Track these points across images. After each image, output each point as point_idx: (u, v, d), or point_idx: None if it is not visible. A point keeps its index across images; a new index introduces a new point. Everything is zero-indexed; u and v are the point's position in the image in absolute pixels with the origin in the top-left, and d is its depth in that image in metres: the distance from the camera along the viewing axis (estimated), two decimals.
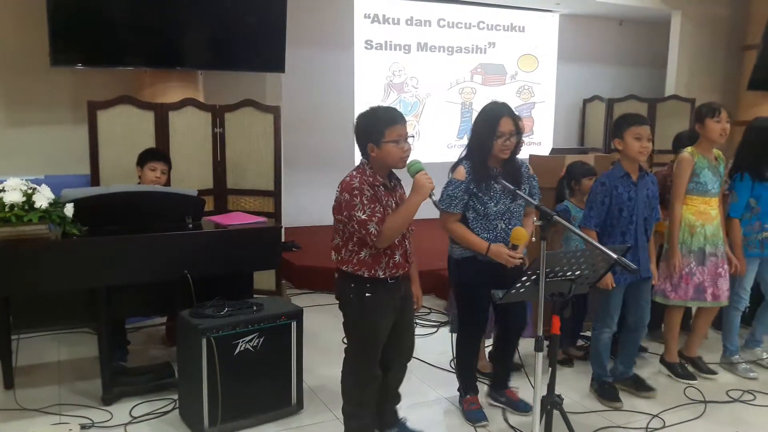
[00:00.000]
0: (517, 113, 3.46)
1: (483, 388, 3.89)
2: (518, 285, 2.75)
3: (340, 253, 3.07)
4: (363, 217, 2.89)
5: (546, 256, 2.65)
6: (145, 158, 4.37)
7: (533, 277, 2.70)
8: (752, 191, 4.22)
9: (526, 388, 3.84)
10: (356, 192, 2.92)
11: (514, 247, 3.29)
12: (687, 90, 8.74)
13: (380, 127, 2.94)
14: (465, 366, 3.73)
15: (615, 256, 2.53)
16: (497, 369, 3.89)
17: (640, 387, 3.99)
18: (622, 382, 4.02)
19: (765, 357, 4.53)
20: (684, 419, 3.69)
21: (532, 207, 3.43)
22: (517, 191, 3.10)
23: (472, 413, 3.63)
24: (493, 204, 3.40)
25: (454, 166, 3.47)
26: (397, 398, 3.44)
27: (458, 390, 3.77)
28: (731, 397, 3.97)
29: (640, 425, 3.59)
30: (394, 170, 3.10)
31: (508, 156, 3.38)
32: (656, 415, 3.69)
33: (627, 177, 3.71)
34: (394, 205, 3.02)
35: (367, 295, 3.03)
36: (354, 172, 3.02)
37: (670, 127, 6.93)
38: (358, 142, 3.04)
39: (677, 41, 8.77)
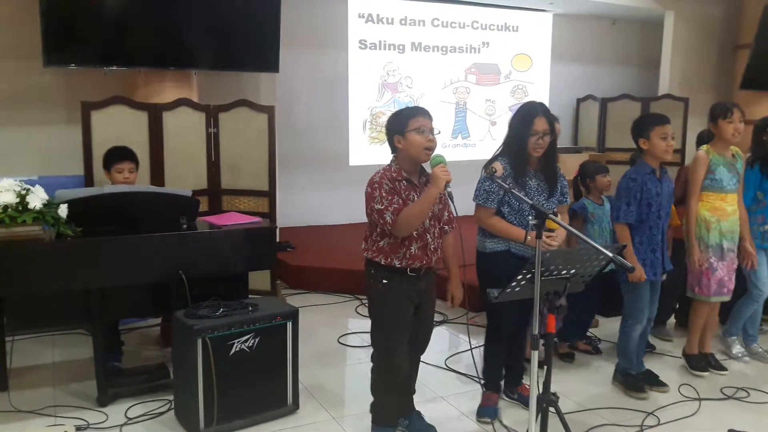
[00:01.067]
0: (553, 115, 3.55)
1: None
2: (513, 284, 2.75)
3: (366, 242, 3.26)
4: (380, 207, 3.07)
5: (542, 254, 2.66)
6: (109, 161, 4.28)
7: (528, 275, 2.71)
8: (760, 184, 4.36)
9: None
10: (376, 185, 3.11)
11: (550, 231, 3.34)
12: (680, 89, 8.75)
13: (404, 118, 3.13)
14: (489, 361, 3.80)
15: (611, 254, 2.53)
16: (508, 367, 3.93)
17: (653, 382, 4.06)
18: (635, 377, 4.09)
19: (761, 350, 4.60)
20: (678, 417, 3.71)
21: (565, 203, 3.67)
22: (523, 197, 3.07)
23: (483, 409, 3.70)
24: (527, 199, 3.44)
25: (489, 162, 3.53)
26: (412, 390, 3.51)
27: (481, 384, 3.83)
28: (725, 395, 3.99)
29: (636, 423, 3.61)
30: (425, 168, 3.23)
31: (540, 154, 3.47)
32: (651, 413, 3.71)
33: (653, 173, 3.83)
34: (416, 199, 3.13)
35: (383, 281, 3.18)
36: (381, 169, 3.20)
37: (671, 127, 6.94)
38: (388, 138, 3.22)
39: (670, 40, 8.79)
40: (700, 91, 8.61)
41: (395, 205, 3.05)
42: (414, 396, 3.53)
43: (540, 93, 9.63)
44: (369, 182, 3.15)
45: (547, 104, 9.50)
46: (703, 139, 4.73)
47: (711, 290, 4.12)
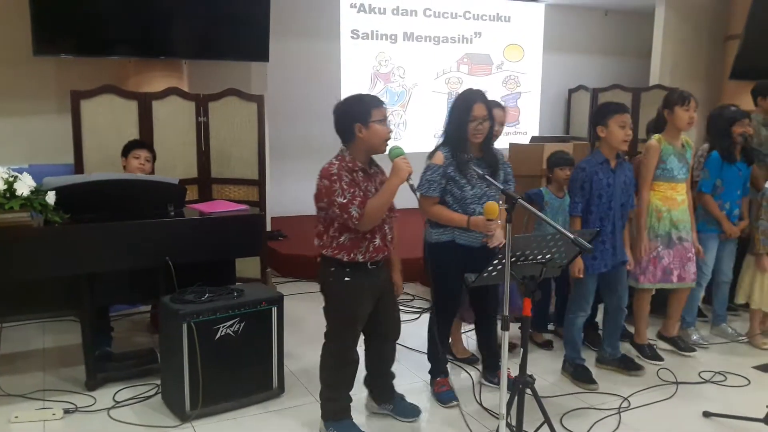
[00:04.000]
0: (491, 100, 3.60)
1: (460, 372, 3.99)
2: (490, 268, 2.81)
3: (321, 238, 3.15)
4: (343, 201, 2.98)
5: (516, 239, 2.72)
6: (129, 147, 4.41)
7: (504, 260, 2.76)
8: (720, 171, 4.42)
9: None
10: (335, 177, 3.01)
11: (489, 221, 3.40)
12: (671, 79, 8.77)
13: (367, 108, 3.05)
14: (435, 349, 3.81)
15: (571, 235, 2.59)
16: (483, 352, 4.02)
17: (630, 366, 4.11)
18: (612, 363, 4.14)
19: (731, 331, 4.71)
20: (655, 400, 3.78)
21: (509, 189, 3.53)
22: (486, 177, 3.16)
23: (443, 395, 3.74)
24: (469, 188, 3.51)
25: (432, 153, 3.59)
26: (392, 375, 3.56)
27: (429, 372, 3.88)
28: (702, 378, 4.07)
29: (613, 406, 3.68)
30: (374, 157, 3.19)
31: (480, 140, 3.51)
32: (626, 398, 3.78)
33: (606, 163, 3.80)
34: (373, 190, 3.11)
35: (346, 279, 3.13)
36: (333, 160, 3.11)
37: (654, 116, 7.00)
38: (341, 126, 3.11)
39: (661, 31, 8.80)
40: (690, 81, 8.62)
41: (359, 198, 2.99)
42: (398, 381, 3.59)
43: (532, 83, 9.68)
44: (324, 174, 3.04)
45: (539, 94, 9.67)
46: (652, 128, 4.73)
47: (656, 278, 4.14)
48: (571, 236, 2.58)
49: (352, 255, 3.09)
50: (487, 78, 9.36)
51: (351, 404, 3.40)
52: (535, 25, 9.60)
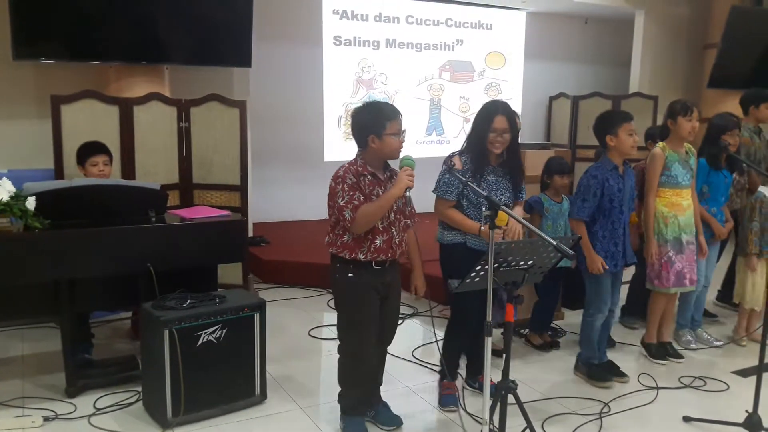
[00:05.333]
0: (514, 110, 3.65)
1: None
2: (473, 274, 2.83)
3: (329, 236, 3.28)
4: (341, 203, 3.10)
5: (498, 246, 2.73)
6: (83, 155, 4.31)
7: (487, 266, 2.78)
8: (707, 178, 4.53)
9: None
10: (339, 180, 3.14)
11: (498, 228, 3.42)
12: (650, 87, 8.91)
13: (383, 120, 3.14)
14: (449, 351, 3.86)
15: (554, 242, 2.61)
16: (470, 356, 4.04)
17: (615, 373, 4.15)
18: (581, 370, 4.19)
19: (707, 337, 4.81)
20: (636, 405, 3.81)
21: (521, 199, 3.78)
22: (469, 183, 3.18)
23: (445, 398, 3.79)
24: (485, 194, 3.51)
25: (450, 157, 3.65)
26: (379, 381, 3.58)
27: (439, 372, 3.94)
28: (682, 383, 4.11)
29: (594, 411, 3.70)
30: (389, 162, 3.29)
31: (499, 150, 3.58)
32: (607, 403, 3.80)
33: (615, 170, 3.93)
34: (380, 194, 3.17)
35: (349, 275, 3.23)
36: (346, 163, 3.23)
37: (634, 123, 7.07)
38: (357, 134, 3.22)
39: (641, 40, 8.94)
40: (669, 89, 8.75)
41: (355, 202, 3.08)
42: (381, 387, 3.60)
43: (513, 90, 9.74)
44: (333, 176, 3.19)
45: (520, 101, 9.70)
46: (652, 136, 4.90)
47: (670, 282, 4.25)
48: (554, 243, 2.61)
49: (353, 254, 3.17)
50: (468, 85, 9.41)
51: (365, 400, 3.47)
52: (516, 33, 9.66)
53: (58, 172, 4.81)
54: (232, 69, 6.44)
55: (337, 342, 3.44)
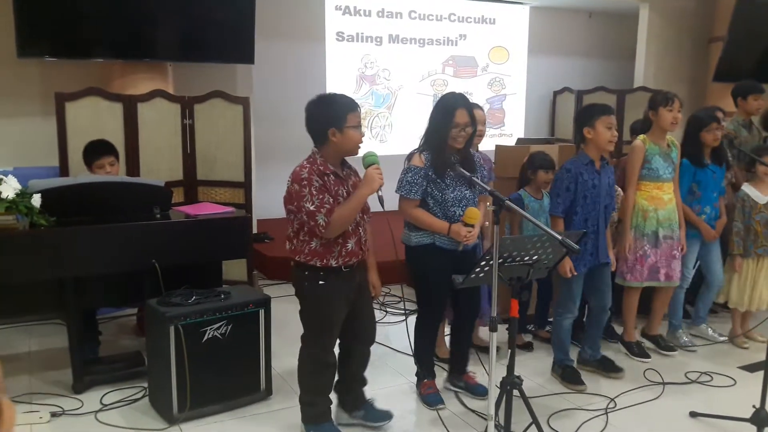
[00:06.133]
0: (473, 103, 3.56)
1: (442, 373, 3.98)
2: (477, 269, 2.83)
3: (292, 243, 3.12)
4: (311, 208, 2.94)
5: (504, 241, 2.73)
6: (88, 158, 4.30)
7: (491, 261, 2.77)
8: (694, 176, 4.43)
9: (484, 374, 3.93)
10: (305, 182, 2.96)
11: (468, 226, 3.40)
12: (655, 81, 8.86)
13: (343, 112, 3.00)
14: (422, 351, 3.81)
15: (559, 237, 2.61)
16: (454, 355, 3.95)
17: (609, 368, 4.13)
18: (591, 364, 4.16)
19: (711, 332, 4.76)
20: (642, 400, 3.80)
21: (485, 194, 3.45)
22: (473, 178, 3.18)
23: (429, 397, 3.73)
24: (450, 190, 3.49)
25: (411, 155, 3.56)
26: (363, 382, 3.51)
27: (416, 374, 3.86)
28: (689, 379, 4.10)
29: (600, 406, 3.70)
30: (347, 159, 3.17)
31: (462, 145, 3.49)
32: (613, 399, 3.80)
33: (591, 165, 3.81)
34: (345, 194, 3.07)
35: (320, 283, 3.10)
36: (304, 162, 3.07)
37: (639, 117, 7.04)
38: (314, 127, 3.07)
39: (645, 33, 8.89)
40: (674, 83, 8.71)
41: (327, 206, 2.94)
42: (383, 382, 3.60)
43: (517, 85, 9.73)
44: (295, 178, 2.99)
45: (524, 96, 9.69)
46: (636, 130, 4.83)
47: (644, 276, 4.20)
48: (559, 237, 2.60)
49: (325, 261, 3.05)
50: (472, 80, 9.39)
51: (331, 407, 3.39)
52: (519, 28, 9.64)
53: (63, 170, 4.82)
54: (235, 66, 6.44)
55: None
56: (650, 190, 4.19)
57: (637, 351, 4.39)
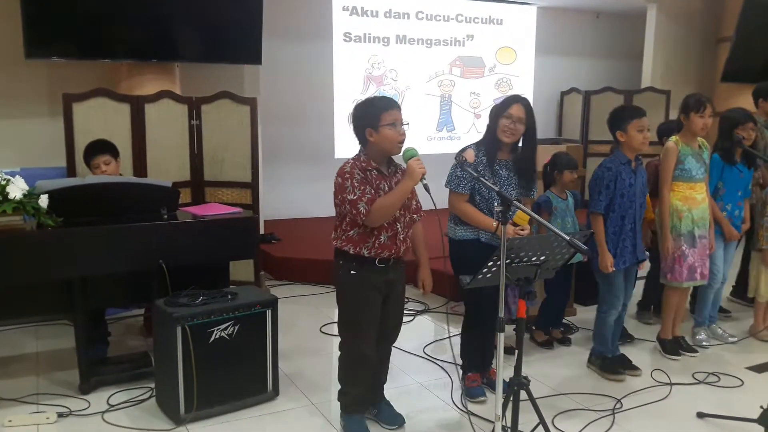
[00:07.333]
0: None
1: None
2: (485, 270, 2.82)
3: (336, 231, 3.25)
4: (353, 198, 3.07)
5: (511, 241, 2.73)
6: (86, 158, 4.31)
7: (499, 262, 2.77)
8: (721, 174, 4.50)
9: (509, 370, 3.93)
10: (347, 176, 3.11)
11: (517, 226, 3.44)
12: (662, 82, 8.85)
13: (377, 112, 3.12)
14: (466, 347, 3.86)
15: (567, 237, 2.60)
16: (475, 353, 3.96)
17: (626, 366, 4.16)
18: (595, 364, 4.20)
19: (721, 332, 4.77)
20: (649, 401, 3.79)
21: (530, 197, 3.76)
22: (481, 179, 3.14)
23: (472, 390, 3.78)
24: (497, 188, 3.49)
25: (462, 150, 3.63)
26: (383, 379, 3.55)
27: (460, 367, 3.89)
28: (696, 379, 4.08)
29: (607, 407, 3.69)
30: (393, 158, 3.26)
31: (510, 139, 3.56)
32: (620, 399, 3.78)
33: (628, 164, 3.92)
34: (387, 189, 3.15)
35: (352, 272, 3.19)
36: (350, 159, 3.21)
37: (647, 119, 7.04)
38: (355, 131, 3.21)
39: (653, 33, 8.87)
40: (682, 83, 8.69)
41: (368, 195, 3.06)
42: (392, 384, 3.59)
43: (524, 86, 9.69)
44: (339, 173, 3.15)
45: (531, 97, 9.66)
46: (664, 131, 4.85)
47: (683, 276, 4.23)
48: (567, 238, 2.60)
49: (357, 249, 3.15)
50: (479, 81, 9.38)
51: (362, 400, 3.43)
52: (527, 28, 9.61)
53: (71, 170, 4.83)
54: (243, 66, 6.45)
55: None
56: (683, 191, 4.23)
57: (669, 348, 4.44)
